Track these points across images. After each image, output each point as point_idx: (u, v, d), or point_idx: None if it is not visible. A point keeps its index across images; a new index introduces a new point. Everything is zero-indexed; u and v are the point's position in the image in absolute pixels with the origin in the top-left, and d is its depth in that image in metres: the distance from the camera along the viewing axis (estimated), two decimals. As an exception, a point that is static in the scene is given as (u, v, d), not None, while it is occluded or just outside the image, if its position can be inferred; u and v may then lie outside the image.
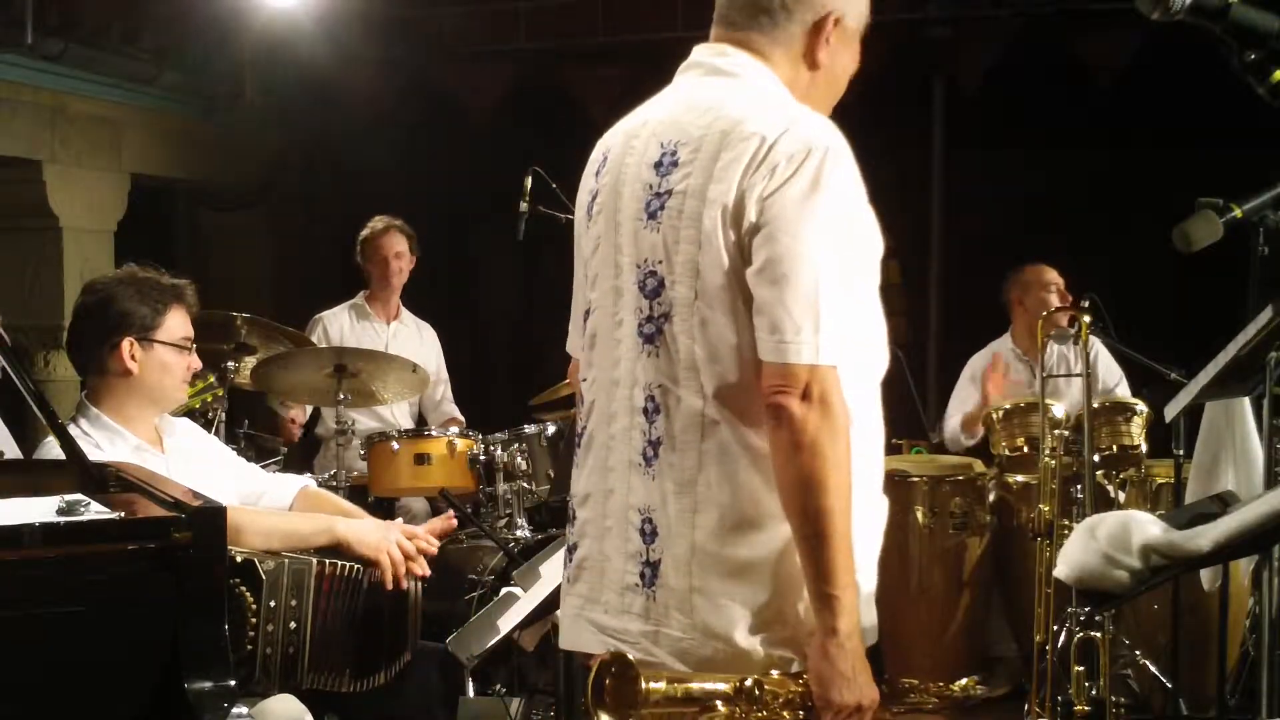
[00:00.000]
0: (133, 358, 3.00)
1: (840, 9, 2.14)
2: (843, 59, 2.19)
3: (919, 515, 4.97)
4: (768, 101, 2.07)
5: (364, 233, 5.67)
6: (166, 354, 3.04)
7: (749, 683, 1.94)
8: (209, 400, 4.58)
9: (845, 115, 2.18)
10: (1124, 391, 5.32)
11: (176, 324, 3.07)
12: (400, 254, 5.62)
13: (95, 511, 2.06)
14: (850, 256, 2.00)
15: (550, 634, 3.69)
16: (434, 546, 3.02)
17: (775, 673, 1.99)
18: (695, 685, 1.93)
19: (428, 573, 3.01)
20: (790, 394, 1.93)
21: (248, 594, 2.66)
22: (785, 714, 1.97)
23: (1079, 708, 4.07)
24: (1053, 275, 5.39)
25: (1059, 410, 4.71)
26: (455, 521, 3.18)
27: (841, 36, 2.16)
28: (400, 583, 2.94)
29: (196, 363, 3.17)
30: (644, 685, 1.86)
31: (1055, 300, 5.22)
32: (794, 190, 1.95)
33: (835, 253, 1.96)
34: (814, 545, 1.94)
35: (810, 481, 1.93)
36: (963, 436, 5.52)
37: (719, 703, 1.93)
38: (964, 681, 5.03)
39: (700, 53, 2.19)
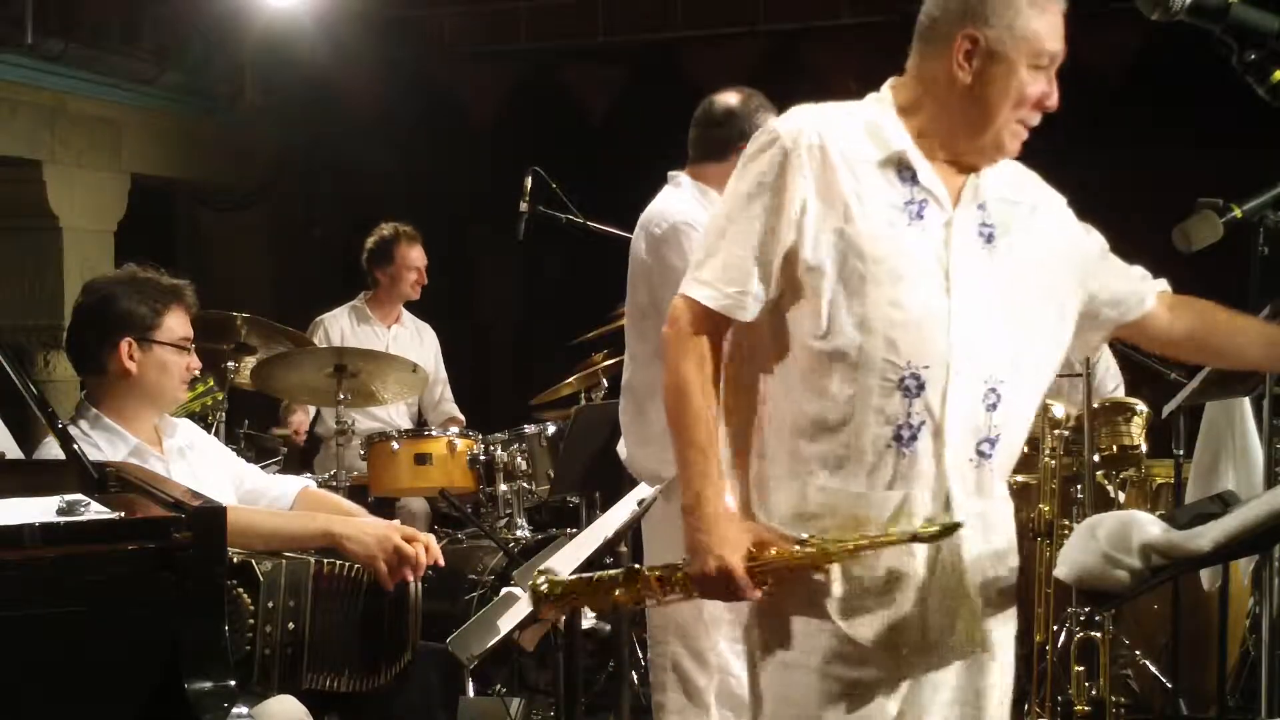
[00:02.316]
0: (131, 358, 3.00)
1: (975, 30, 2.14)
2: (994, 82, 2.17)
3: (919, 515, 4.96)
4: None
5: (382, 237, 5.54)
6: (166, 354, 3.04)
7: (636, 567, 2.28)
8: (208, 404, 4.57)
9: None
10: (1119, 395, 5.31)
11: (176, 324, 3.06)
12: (421, 269, 5.57)
13: (95, 511, 2.06)
14: (747, 223, 2.18)
15: (550, 634, 3.69)
16: (432, 558, 2.96)
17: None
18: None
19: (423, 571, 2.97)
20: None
21: (245, 595, 2.64)
22: (665, 593, 2.23)
23: (1079, 708, 4.07)
24: None
25: (1059, 410, 4.70)
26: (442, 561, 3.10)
27: (986, 59, 2.15)
28: (391, 584, 2.90)
29: (196, 363, 3.16)
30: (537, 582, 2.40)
31: None
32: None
33: (730, 216, 2.20)
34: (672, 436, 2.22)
35: (665, 387, 2.22)
36: None
37: (617, 590, 2.27)
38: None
39: None
